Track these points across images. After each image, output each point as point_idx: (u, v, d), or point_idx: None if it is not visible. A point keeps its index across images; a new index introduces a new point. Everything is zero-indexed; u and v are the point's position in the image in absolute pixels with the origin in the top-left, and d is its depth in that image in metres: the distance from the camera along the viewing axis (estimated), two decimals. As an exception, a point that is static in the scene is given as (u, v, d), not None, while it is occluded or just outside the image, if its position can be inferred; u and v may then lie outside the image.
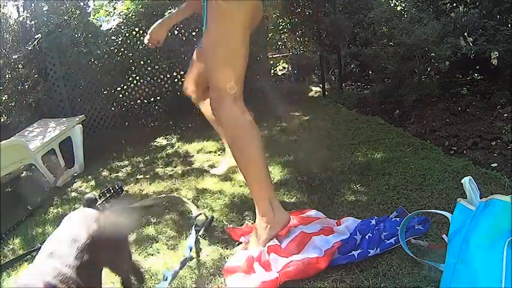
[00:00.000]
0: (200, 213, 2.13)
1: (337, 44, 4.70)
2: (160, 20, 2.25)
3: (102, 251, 1.29)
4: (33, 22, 3.72)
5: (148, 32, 2.21)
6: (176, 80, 4.47)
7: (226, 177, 2.68)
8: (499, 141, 2.67)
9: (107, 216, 1.44)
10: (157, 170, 3.05)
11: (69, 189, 2.99)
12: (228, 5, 1.67)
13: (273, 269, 1.62)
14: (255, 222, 1.86)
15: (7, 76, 3.85)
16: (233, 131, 1.75)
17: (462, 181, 1.37)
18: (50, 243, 1.24)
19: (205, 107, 2.40)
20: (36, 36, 3.62)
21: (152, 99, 4.44)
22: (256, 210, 1.79)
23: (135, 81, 4.35)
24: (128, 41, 4.16)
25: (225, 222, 2.10)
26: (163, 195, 2.53)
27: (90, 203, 1.44)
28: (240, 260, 1.70)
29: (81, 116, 3.53)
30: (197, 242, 1.90)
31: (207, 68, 1.79)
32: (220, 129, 2.27)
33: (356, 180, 2.36)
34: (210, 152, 3.27)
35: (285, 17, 5.30)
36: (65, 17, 3.69)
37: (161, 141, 3.83)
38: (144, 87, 4.37)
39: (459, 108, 3.32)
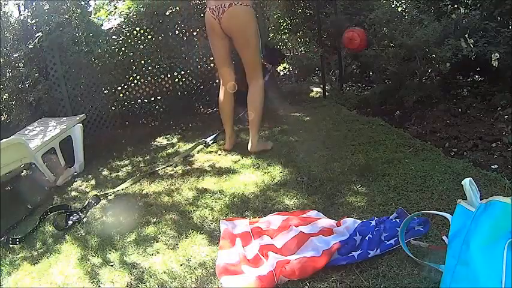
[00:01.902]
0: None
1: (338, 45, 4.70)
2: None
3: None
4: (34, 21, 3.71)
5: None
6: (177, 79, 4.47)
7: (226, 177, 2.68)
8: (499, 142, 2.67)
9: None
10: (157, 169, 3.04)
11: (69, 188, 2.99)
12: None
13: (266, 264, 1.63)
14: (253, 218, 2.02)
15: (8, 75, 3.85)
16: None
17: (462, 182, 1.37)
18: None
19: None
20: (37, 35, 3.61)
21: (153, 98, 4.44)
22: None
23: (135, 81, 4.34)
24: (129, 41, 4.16)
25: (225, 222, 2.10)
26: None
27: None
28: (229, 258, 1.73)
29: (81, 115, 3.53)
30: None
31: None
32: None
33: (356, 181, 2.36)
34: (210, 152, 3.26)
35: (286, 17, 5.29)
36: (66, 16, 3.68)
37: (161, 140, 3.83)
38: (144, 86, 4.37)
39: (460, 110, 3.32)
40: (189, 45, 4.39)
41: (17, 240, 2.25)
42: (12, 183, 3.23)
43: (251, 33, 2.86)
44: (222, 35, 2.90)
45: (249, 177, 2.63)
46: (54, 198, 2.83)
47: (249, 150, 2.99)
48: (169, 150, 3.47)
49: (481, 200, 1.30)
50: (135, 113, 4.39)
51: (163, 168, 3.02)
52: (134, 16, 4.13)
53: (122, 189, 2.76)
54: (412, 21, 3.74)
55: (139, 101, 4.41)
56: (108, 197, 2.68)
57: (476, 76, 3.92)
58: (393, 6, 4.60)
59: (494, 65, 3.12)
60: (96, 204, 2.56)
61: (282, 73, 6.35)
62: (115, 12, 4.13)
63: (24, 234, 2.31)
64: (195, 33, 4.41)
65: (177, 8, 4.22)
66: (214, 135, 3.48)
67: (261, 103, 2.99)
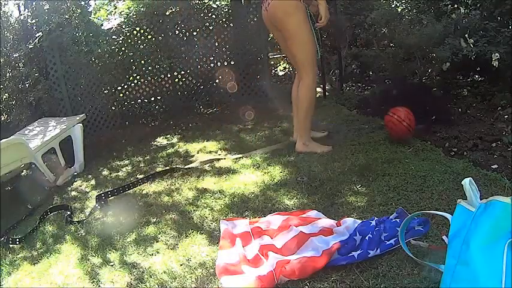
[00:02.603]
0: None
1: (337, 45, 4.70)
2: None
3: None
4: (34, 21, 3.71)
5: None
6: (177, 79, 4.48)
7: (226, 177, 2.68)
8: (499, 142, 2.67)
9: None
10: (157, 169, 3.04)
11: (69, 188, 2.99)
12: None
13: (266, 264, 1.63)
14: (253, 218, 2.04)
15: (8, 75, 3.85)
16: None
17: (462, 182, 1.37)
18: None
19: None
20: (37, 35, 3.61)
21: (153, 98, 4.44)
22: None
23: (135, 81, 4.35)
24: (129, 40, 4.16)
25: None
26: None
27: None
28: (229, 258, 1.73)
29: (81, 115, 3.53)
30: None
31: None
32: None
33: (356, 181, 2.36)
34: (210, 151, 3.27)
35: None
36: (66, 16, 3.68)
37: (161, 140, 3.83)
38: (144, 86, 4.38)
39: (460, 110, 3.33)
40: (189, 45, 4.39)
41: (17, 240, 2.25)
42: (12, 183, 3.23)
43: (293, 26, 2.78)
44: (274, 27, 2.93)
45: (249, 177, 2.63)
46: (54, 198, 2.83)
47: (295, 150, 2.94)
48: (169, 150, 3.47)
49: (481, 200, 1.30)
50: (135, 113, 4.40)
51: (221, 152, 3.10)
52: (134, 16, 4.14)
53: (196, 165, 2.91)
54: (412, 21, 3.75)
55: (139, 101, 4.41)
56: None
57: (476, 76, 3.91)
58: (393, 6, 4.60)
59: (494, 65, 3.11)
60: (104, 204, 2.56)
61: (282, 73, 6.36)
62: (115, 12, 4.13)
63: (24, 234, 2.31)
64: (195, 33, 4.41)
65: (177, 8, 4.23)
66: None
67: (305, 105, 2.87)
